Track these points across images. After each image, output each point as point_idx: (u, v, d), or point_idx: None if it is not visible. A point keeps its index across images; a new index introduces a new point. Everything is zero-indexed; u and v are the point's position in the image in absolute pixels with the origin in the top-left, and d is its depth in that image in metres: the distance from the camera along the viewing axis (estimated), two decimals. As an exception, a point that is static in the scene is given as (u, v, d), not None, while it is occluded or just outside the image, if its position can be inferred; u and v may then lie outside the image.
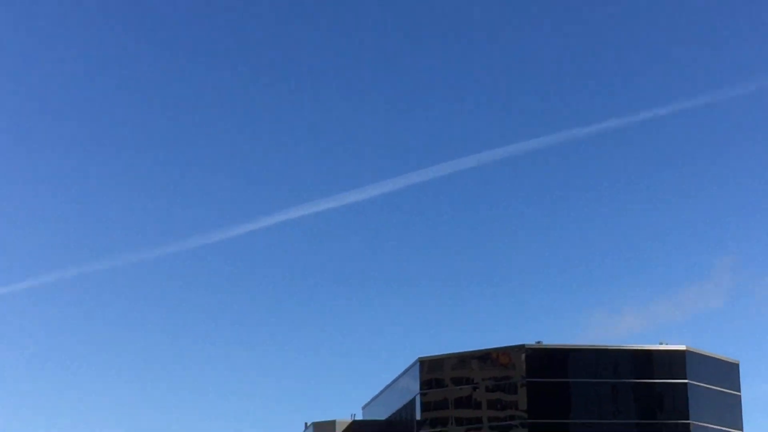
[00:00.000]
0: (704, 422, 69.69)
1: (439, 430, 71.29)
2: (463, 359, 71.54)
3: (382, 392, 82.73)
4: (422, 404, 71.67)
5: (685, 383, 69.45)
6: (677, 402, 69.43)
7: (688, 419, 68.75)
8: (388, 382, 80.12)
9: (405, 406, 75.17)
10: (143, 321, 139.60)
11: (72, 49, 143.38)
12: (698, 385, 70.16)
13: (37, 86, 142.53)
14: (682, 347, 69.97)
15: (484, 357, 71.22)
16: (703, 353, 71.34)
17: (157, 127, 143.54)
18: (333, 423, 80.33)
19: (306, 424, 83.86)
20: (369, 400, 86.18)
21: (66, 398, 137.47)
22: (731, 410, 72.51)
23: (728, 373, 73.05)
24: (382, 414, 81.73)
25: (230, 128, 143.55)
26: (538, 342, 70.67)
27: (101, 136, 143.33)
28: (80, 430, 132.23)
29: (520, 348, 70.05)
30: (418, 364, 72.47)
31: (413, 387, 73.45)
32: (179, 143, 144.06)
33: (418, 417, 72.24)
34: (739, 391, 73.26)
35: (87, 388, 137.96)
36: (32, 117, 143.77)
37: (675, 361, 69.92)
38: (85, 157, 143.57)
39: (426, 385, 71.99)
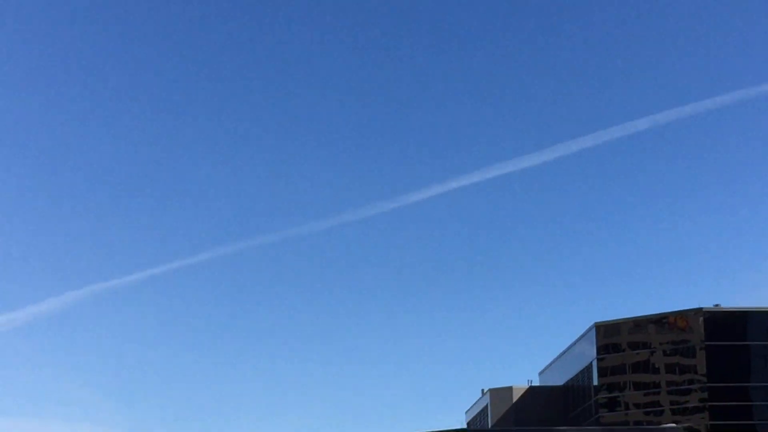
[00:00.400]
0: None
1: (616, 395, 71.50)
2: (639, 324, 71.49)
3: (558, 358, 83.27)
4: (599, 369, 71.94)
5: None
6: None
7: None
8: (565, 348, 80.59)
9: (581, 372, 75.56)
10: (301, 297, 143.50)
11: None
12: None
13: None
14: None
15: (661, 321, 71.01)
16: None
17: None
18: (510, 389, 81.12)
19: (483, 390, 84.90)
20: (545, 366, 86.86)
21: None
22: None
23: None
24: (558, 380, 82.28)
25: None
26: (716, 305, 70.11)
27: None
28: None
29: (698, 311, 69.61)
30: (594, 329, 72.73)
31: (590, 352, 73.79)
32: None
33: (595, 382, 72.55)
34: None
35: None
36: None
37: None
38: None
39: (602, 350, 72.19)
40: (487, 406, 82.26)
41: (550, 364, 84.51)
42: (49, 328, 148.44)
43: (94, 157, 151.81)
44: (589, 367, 73.28)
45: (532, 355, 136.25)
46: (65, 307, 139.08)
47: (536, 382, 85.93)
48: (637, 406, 70.02)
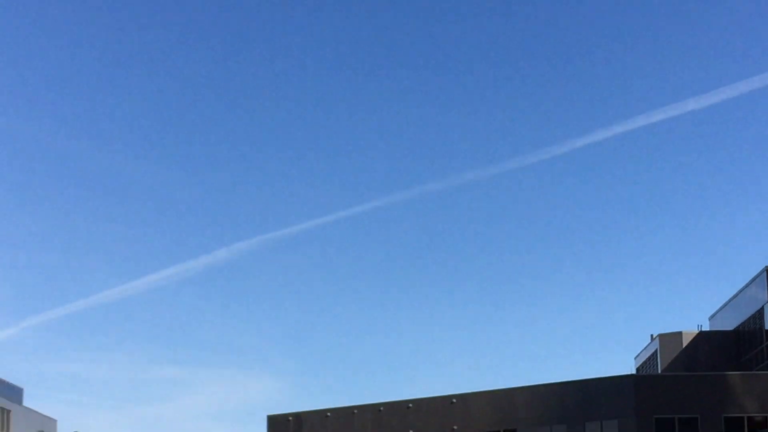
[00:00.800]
0: None
1: (789, 339, 70.53)
2: (813, 266, 70.26)
3: (728, 302, 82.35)
4: (770, 313, 71.07)
5: None
6: None
7: None
8: (735, 291, 79.65)
9: (753, 316, 74.67)
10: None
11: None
12: None
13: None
14: None
15: (835, 264, 69.56)
16: None
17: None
18: (679, 334, 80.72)
19: (652, 336, 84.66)
20: (715, 310, 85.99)
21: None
22: None
23: None
24: (729, 324, 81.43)
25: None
26: None
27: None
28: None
29: None
30: (766, 272, 71.69)
31: (761, 296, 72.81)
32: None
33: (766, 327, 71.70)
34: None
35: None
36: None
37: None
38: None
39: (774, 293, 71.25)
40: (656, 352, 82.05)
41: (721, 309, 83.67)
42: (221, 278, 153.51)
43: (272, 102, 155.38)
44: (760, 312, 72.42)
45: (702, 299, 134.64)
46: (235, 257, 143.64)
47: (706, 327, 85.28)
48: (811, 350, 68.97)
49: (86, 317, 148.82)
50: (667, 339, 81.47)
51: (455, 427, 64.67)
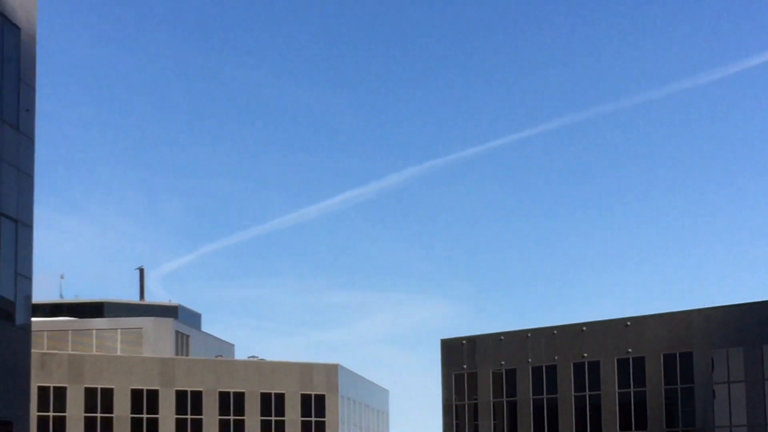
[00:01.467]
0: None
1: None
2: None
3: None
4: None
5: None
6: None
7: None
8: None
9: None
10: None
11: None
12: None
13: None
14: None
15: None
16: None
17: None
18: None
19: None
20: None
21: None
22: None
23: None
24: None
25: None
26: None
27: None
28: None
29: None
30: None
31: None
32: None
33: None
34: None
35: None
36: None
37: None
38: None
39: None
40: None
41: None
42: (393, 203, 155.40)
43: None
44: None
45: None
46: (407, 181, 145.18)
47: None
48: None
49: (261, 244, 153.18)
50: None
51: (629, 350, 65.11)
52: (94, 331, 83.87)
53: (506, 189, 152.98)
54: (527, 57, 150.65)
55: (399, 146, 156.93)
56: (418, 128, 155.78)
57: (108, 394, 75.53)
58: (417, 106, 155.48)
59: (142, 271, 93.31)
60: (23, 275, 33.86)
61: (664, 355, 64.09)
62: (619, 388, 65.50)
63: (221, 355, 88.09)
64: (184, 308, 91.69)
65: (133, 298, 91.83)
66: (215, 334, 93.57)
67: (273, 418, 79.50)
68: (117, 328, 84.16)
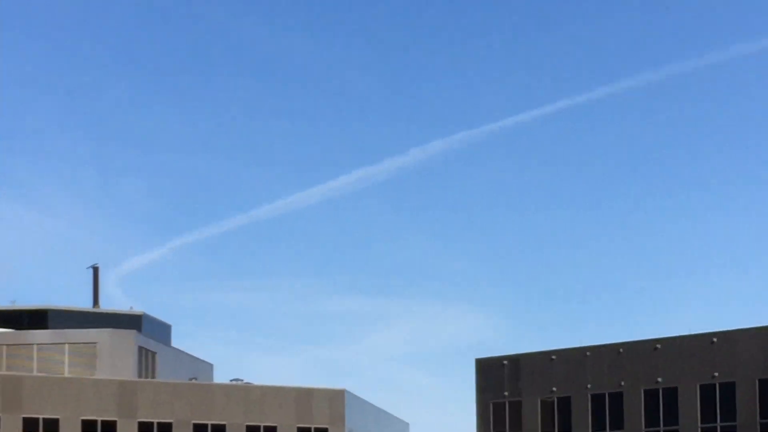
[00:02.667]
0: None
1: None
2: None
3: None
4: None
5: None
6: None
7: None
8: None
9: None
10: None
11: None
12: None
13: None
14: None
15: None
16: None
17: None
18: None
19: None
20: None
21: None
22: None
23: None
24: None
25: None
26: None
27: None
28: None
29: None
30: None
31: None
32: None
33: None
34: None
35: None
36: None
37: None
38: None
39: None
40: None
41: None
42: (415, 185, 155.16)
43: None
44: None
45: None
46: (432, 158, 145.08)
47: None
48: None
49: (247, 236, 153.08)
50: None
51: (716, 374, 65.11)
52: (35, 346, 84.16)
53: (558, 169, 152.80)
54: (582, 12, 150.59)
55: (423, 114, 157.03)
56: (447, 92, 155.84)
57: (52, 425, 75.77)
58: (446, 64, 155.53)
59: (96, 270, 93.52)
60: (-54, 273, 33.92)
61: (760, 381, 64.02)
62: (702, 421, 65.49)
63: (196, 378, 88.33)
64: (149, 318, 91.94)
65: (84, 304, 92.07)
66: (189, 351, 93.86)
67: (262, 458, 79.76)
68: (64, 343, 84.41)
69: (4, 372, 79.36)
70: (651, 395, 66.85)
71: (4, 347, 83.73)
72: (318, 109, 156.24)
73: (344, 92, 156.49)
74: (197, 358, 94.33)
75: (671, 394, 66.27)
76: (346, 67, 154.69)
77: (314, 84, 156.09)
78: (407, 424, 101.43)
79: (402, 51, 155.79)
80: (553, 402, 69.76)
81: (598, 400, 68.32)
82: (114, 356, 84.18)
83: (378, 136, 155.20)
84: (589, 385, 68.60)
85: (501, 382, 71.33)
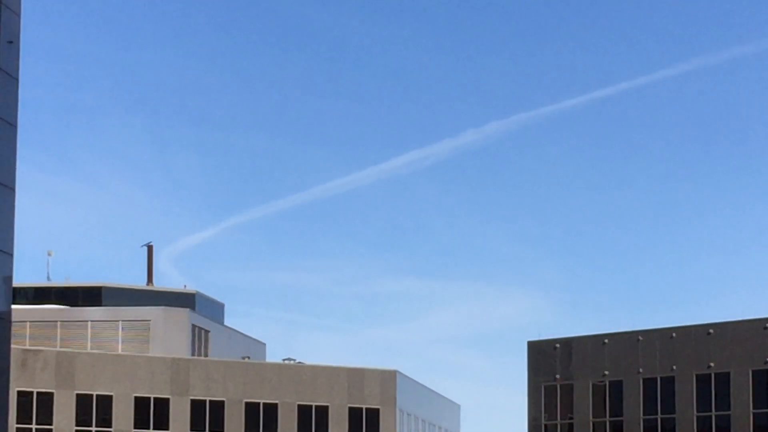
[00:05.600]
0: None
1: None
2: None
3: None
4: None
5: None
6: None
7: None
8: None
9: None
10: None
11: None
12: None
13: None
14: None
15: None
16: None
17: None
18: None
19: None
20: None
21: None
22: None
23: None
24: None
25: None
26: None
27: None
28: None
29: None
30: None
31: None
32: None
33: None
34: None
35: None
36: None
37: None
38: None
39: None
40: None
41: None
42: (470, 167, 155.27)
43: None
44: None
45: None
46: (488, 140, 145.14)
47: None
48: None
49: (301, 216, 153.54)
50: None
51: (768, 360, 65.13)
52: (90, 323, 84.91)
53: (615, 151, 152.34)
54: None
55: (479, 95, 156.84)
56: (505, 73, 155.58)
57: (106, 402, 76.53)
58: (504, 44, 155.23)
59: (150, 248, 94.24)
60: (2, 251, 34.38)
61: (814, 367, 63.91)
62: (754, 407, 65.45)
63: (249, 357, 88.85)
64: (202, 296, 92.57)
65: (138, 282, 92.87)
66: (241, 330, 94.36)
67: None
68: (118, 320, 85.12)
69: (58, 348, 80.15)
70: (703, 380, 66.81)
71: (59, 324, 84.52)
72: (374, 90, 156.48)
73: (401, 73, 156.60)
74: (250, 337, 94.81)
75: (723, 379, 66.21)
76: (404, 48, 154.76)
77: (371, 64, 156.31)
78: (458, 405, 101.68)
79: (459, 32, 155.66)
80: (604, 386, 69.86)
81: (649, 384, 68.36)
82: (167, 334, 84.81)
83: (434, 117, 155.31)
84: (640, 369, 68.65)
85: (553, 365, 71.47)
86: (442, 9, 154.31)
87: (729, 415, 65.98)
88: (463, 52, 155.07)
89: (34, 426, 74.84)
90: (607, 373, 69.80)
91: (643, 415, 68.43)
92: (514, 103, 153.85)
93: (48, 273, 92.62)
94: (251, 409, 79.32)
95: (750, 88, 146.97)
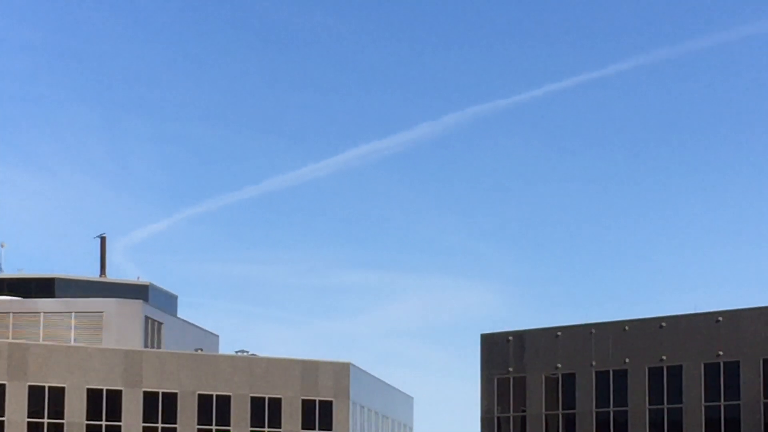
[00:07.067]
0: None
1: None
2: None
3: None
4: None
5: None
6: None
7: None
8: None
9: None
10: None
11: None
12: None
13: None
14: None
15: None
16: None
17: None
18: None
19: None
20: None
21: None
22: None
23: None
24: None
25: None
26: None
27: None
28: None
29: None
30: None
31: None
32: None
33: None
34: None
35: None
36: None
37: None
38: None
39: None
40: None
41: None
42: (426, 159, 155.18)
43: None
44: None
45: None
46: (443, 132, 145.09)
47: None
48: None
49: (256, 208, 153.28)
50: None
51: (720, 353, 65.26)
52: (42, 315, 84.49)
53: (567, 145, 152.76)
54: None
55: (435, 87, 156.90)
56: (460, 65, 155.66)
57: (58, 394, 76.14)
58: (460, 37, 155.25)
59: (103, 239, 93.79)
60: (-47, 241, 34.21)
61: (765, 360, 64.20)
62: (706, 400, 65.72)
63: (202, 349, 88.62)
64: (156, 288, 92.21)
65: (92, 273, 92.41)
66: (195, 322, 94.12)
67: (266, 430, 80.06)
68: (71, 312, 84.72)
69: (10, 340, 79.68)
70: (655, 373, 67.06)
71: (11, 315, 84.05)
72: (330, 82, 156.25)
73: (357, 65, 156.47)
74: (203, 329, 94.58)
75: (675, 372, 66.48)
76: (359, 40, 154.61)
77: (327, 56, 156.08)
78: (412, 398, 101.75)
79: (415, 24, 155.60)
80: (557, 378, 70.01)
81: (602, 377, 68.55)
82: (120, 326, 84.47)
83: (390, 109, 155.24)
84: (593, 362, 68.84)
85: (506, 358, 71.58)
86: (397, 1, 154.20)
87: (681, 408, 66.24)
88: (419, 45, 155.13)
89: (-15, 418, 74.39)
90: (559, 365, 69.94)
91: (596, 407, 68.62)
92: (470, 95, 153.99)
93: (0, 264, 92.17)
94: (204, 401, 79.08)
95: (706, 82, 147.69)
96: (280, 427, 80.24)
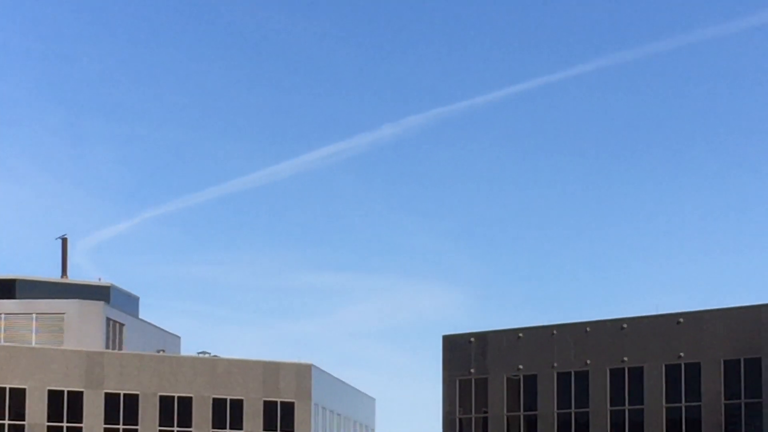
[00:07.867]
0: None
1: None
2: None
3: None
4: None
5: None
6: None
7: None
8: None
9: None
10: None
11: None
12: None
13: None
14: None
15: None
16: None
17: None
18: None
19: None
20: None
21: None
22: None
23: None
24: None
25: None
26: None
27: None
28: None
29: None
30: None
31: None
32: None
33: None
34: None
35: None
36: None
37: None
38: None
39: None
40: None
41: None
42: (387, 161, 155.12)
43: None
44: None
45: None
46: (404, 134, 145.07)
47: None
48: None
49: (217, 209, 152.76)
50: None
51: (681, 354, 65.46)
52: (3, 316, 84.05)
53: (531, 146, 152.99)
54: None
55: (397, 90, 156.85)
56: (422, 67, 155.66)
57: (19, 395, 75.77)
58: (422, 38, 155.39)
59: (65, 241, 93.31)
60: None
61: (725, 362, 64.41)
62: (667, 401, 65.91)
63: (163, 350, 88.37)
64: (117, 289, 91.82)
65: (53, 275, 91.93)
66: (156, 323, 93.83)
67: (228, 431, 79.88)
68: (32, 313, 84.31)
69: (-30, 341, 79.29)
70: (616, 375, 67.21)
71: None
72: (291, 83, 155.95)
73: (318, 66, 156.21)
74: (165, 331, 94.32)
75: (637, 373, 66.64)
76: (321, 41, 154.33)
77: (287, 57, 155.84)
78: (373, 399, 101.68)
79: (376, 25, 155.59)
80: (519, 380, 70.08)
81: (563, 378, 68.66)
82: (81, 327, 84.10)
83: (351, 110, 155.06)
84: (555, 364, 68.93)
85: (467, 359, 71.59)
86: (358, 2, 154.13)
87: (642, 410, 66.41)
88: (380, 46, 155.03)
89: (-55, 419, 73.96)
90: (521, 367, 70.02)
91: (557, 409, 68.72)
92: (432, 97, 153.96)
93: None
94: (166, 402, 78.83)
95: (666, 84, 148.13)
96: (241, 429, 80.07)
